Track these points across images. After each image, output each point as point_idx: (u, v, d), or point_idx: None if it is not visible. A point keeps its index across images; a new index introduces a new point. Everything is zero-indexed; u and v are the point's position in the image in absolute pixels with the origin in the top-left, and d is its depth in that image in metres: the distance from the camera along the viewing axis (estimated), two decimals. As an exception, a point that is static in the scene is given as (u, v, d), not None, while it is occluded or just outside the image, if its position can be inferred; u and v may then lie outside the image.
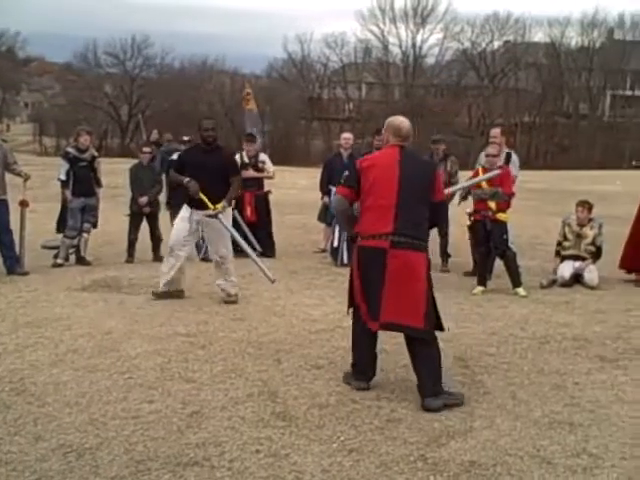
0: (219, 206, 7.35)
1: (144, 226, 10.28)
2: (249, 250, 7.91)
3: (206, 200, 7.32)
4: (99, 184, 9.99)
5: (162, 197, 10.63)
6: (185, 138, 11.22)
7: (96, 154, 10.14)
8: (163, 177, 10.77)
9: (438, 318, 4.97)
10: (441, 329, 5.01)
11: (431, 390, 4.71)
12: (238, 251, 8.14)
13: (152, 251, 10.19)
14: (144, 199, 10.05)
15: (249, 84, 12.68)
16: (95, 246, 10.50)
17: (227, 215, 7.68)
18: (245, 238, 9.64)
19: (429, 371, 4.77)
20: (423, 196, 4.88)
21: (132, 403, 4.74)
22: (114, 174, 15.64)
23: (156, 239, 10.21)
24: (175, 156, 10.63)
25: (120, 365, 5.50)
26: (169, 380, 5.17)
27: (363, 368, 5.11)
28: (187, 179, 7.40)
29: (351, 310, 5.18)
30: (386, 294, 4.75)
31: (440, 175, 4.99)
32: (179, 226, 7.63)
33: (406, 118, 5.25)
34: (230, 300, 7.55)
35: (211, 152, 7.55)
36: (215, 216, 7.37)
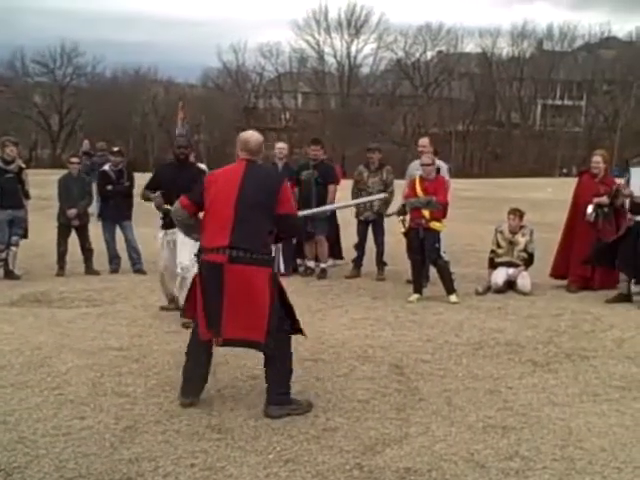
0: None
1: (75, 238, 10.07)
2: None
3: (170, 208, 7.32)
4: (27, 196, 9.76)
5: (92, 208, 10.44)
6: (115, 149, 10.95)
7: (23, 165, 9.91)
8: (94, 188, 10.59)
9: (294, 324, 4.95)
10: (301, 333, 5.00)
11: (275, 399, 4.74)
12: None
13: (84, 263, 10.00)
14: (73, 211, 9.86)
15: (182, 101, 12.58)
16: (25, 259, 10.25)
17: None
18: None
19: (274, 380, 4.79)
20: (265, 209, 4.81)
21: (63, 420, 4.63)
22: (45, 185, 15.33)
23: (87, 251, 10.03)
24: (107, 167, 10.49)
25: (50, 381, 5.37)
26: (102, 395, 5.07)
27: (194, 384, 5.00)
28: (155, 194, 7.48)
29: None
30: (225, 309, 4.69)
31: (286, 188, 4.98)
32: (166, 254, 7.59)
33: (257, 132, 5.20)
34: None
35: (183, 168, 7.76)
36: None
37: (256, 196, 4.78)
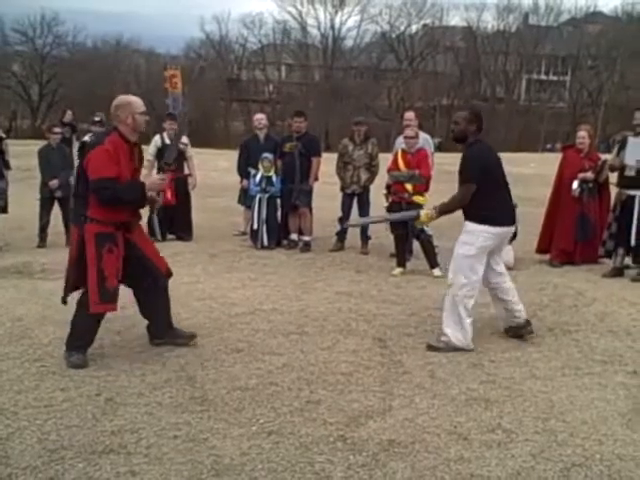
0: None
1: (57, 210, 9.97)
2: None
3: None
4: (7, 166, 9.66)
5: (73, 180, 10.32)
6: (96, 119, 10.75)
7: (3, 135, 9.78)
8: (75, 159, 10.44)
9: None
10: None
11: None
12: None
13: (65, 235, 9.90)
14: (54, 182, 9.75)
15: (176, 66, 12.27)
16: (5, 231, 10.15)
17: None
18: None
19: None
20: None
21: (45, 391, 4.61)
22: (26, 156, 15.10)
23: (69, 223, 9.92)
24: (87, 138, 10.33)
25: (32, 353, 5.34)
26: (83, 367, 5.04)
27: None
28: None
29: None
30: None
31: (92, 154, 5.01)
32: None
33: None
34: None
35: None
36: None
37: None
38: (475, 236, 5.53)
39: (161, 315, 5.51)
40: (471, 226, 5.58)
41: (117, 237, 5.06)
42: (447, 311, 5.63)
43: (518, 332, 5.87)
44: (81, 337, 5.15)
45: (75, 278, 5.13)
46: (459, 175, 5.66)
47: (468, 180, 5.56)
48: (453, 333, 5.55)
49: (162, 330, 5.54)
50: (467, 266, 5.55)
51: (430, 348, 5.57)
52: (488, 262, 5.69)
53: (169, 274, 5.53)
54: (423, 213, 5.95)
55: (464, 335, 5.56)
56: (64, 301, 5.25)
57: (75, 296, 5.20)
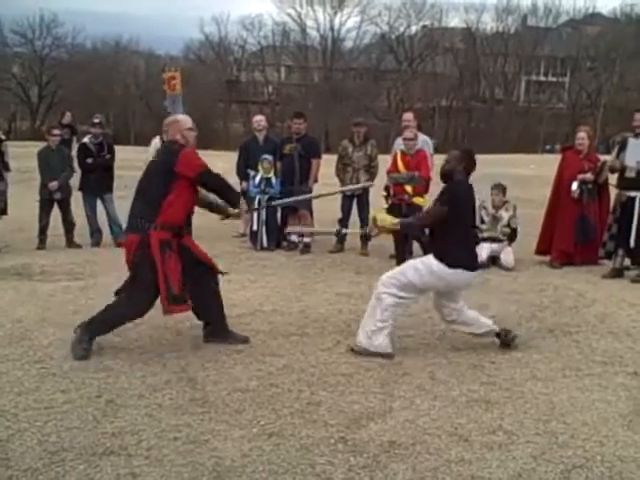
0: None
1: (57, 212, 9.97)
2: None
3: None
4: (7, 168, 9.66)
5: (73, 181, 10.32)
6: (95, 121, 10.67)
7: (3, 137, 9.78)
8: (75, 161, 10.45)
9: None
10: None
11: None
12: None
13: (65, 237, 9.91)
14: (54, 184, 9.74)
15: (175, 67, 12.21)
16: (5, 232, 10.15)
17: None
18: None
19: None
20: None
21: (45, 393, 4.60)
22: (25, 158, 15.10)
23: (69, 224, 9.93)
24: (87, 140, 10.34)
25: (32, 354, 5.33)
26: (84, 369, 5.03)
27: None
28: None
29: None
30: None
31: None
32: None
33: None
34: None
35: None
36: None
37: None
38: (428, 270, 5.36)
39: (219, 314, 5.69)
40: (430, 259, 5.41)
41: (173, 243, 5.30)
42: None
43: (504, 341, 5.69)
44: (101, 328, 5.37)
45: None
46: (439, 196, 5.51)
47: (444, 203, 5.41)
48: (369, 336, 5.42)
49: (220, 329, 5.69)
50: (404, 285, 5.40)
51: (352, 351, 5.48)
52: (441, 301, 5.60)
53: (218, 272, 5.75)
54: (380, 217, 5.75)
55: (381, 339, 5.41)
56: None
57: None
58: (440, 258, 5.31)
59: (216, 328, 5.69)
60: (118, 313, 5.38)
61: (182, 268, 5.30)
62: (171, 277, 5.20)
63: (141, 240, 5.22)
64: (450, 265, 5.30)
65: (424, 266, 5.37)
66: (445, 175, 5.55)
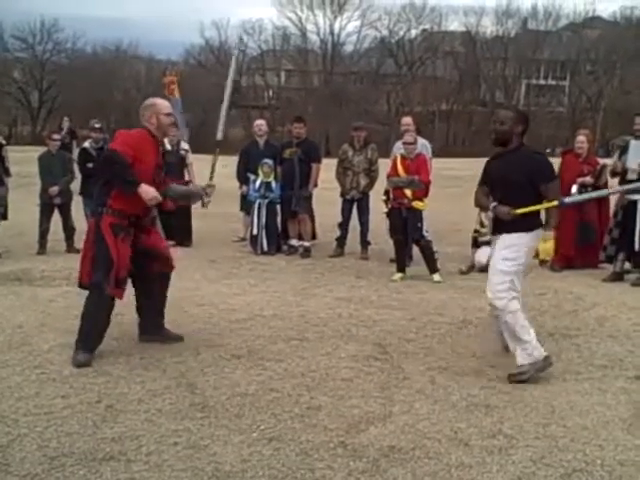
0: None
1: (57, 217, 9.97)
2: None
3: None
4: (7, 173, 9.66)
5: (74, 186, 10.33)
6: (96, 126, 10.66)
7: (3, 142, 9.79)
8: (75, 165, 10.45)
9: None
10: None
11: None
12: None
13: (65, 242, 9.91)
14: (54, 189, 9.75)
15: (174, 71, 12.23)
16: (5, 237, 10.14)
17: None
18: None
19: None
20: None
21: (45, 398, 4.59)
22: (26, 163, 15.12)
23: (69, 229, 9.94)
24: (87, 144, 10.36)
25: (32, 360, 5.33)
26: (83, 374, 5.03)
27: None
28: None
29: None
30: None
31: None
32: None
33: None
34: None
35: None
36: None
37: None
38: (519, 249, 5.05)
39: (156, 309, 5.71)
40: (513, 239, 5.05)
41: (130, 230, 5.33)
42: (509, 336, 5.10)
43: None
44: (89, 332, 5.30)
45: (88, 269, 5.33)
46: (538, 177, 5.09)
47: (556, 177, 5.33)
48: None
49: (152, 325, 5.71)
50: (512, 281, 5.03)
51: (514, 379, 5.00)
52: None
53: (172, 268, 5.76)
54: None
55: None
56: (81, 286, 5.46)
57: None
58: (529, 228, 5.06)
59: (148, 324, 5.71)
60: (90, 306, 5.32)
61: (131, 257, 5.35)
62: (120, 261, 5.23)
63: (95, 223, 5.30)
64: (535, 227, 5.13)
65: (513, 249, 5.02)
66: (500, 140, 5.18)
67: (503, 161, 5.22)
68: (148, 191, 5.18)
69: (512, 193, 5.09)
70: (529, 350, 5.01)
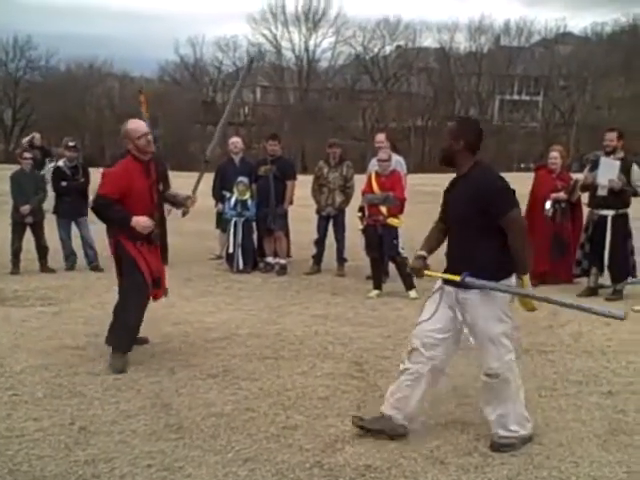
0: None
1: (30, 235, 9.86)
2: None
3: None
4: (-19, 191, 9.53)
5: (47, 205, 10.23)
6: (70, 144, 10.55)
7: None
8: (49, 184, 10.35)
9: None
10: None
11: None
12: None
13: (39, 261, 9.81)
14: (26, 208, 9.65)
15: (143, 93, 12.17)
16: (-23, 257, 10.02)
17: None
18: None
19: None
20: None
21: (16, 421, 4.53)
22: (-2, 181, 14.99)
23: (42, 249, 9.82)
24: (61, 163, 10.27)
25: (4, 381, 5.26)
26: (57, 396, 4.97)
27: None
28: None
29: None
30: None
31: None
32: None
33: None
34: None
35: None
36: None
37: None
38: (504, 301, 4.24)
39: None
40: (499, 286, 4.13)
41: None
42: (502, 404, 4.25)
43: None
44: (129, 332, 5.69)
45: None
46: (492, 208, 4.01)
47: (515, 204, 4.05)
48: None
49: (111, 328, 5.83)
50: (507, 338, 4.37)
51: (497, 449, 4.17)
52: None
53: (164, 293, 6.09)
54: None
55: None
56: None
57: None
58: (508, 272, 4.15)
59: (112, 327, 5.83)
60: (126, 308, 5.64)
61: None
62: (149, 263, 5.68)
63: (115, 243, 5.74)
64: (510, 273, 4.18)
65: (496, 303, 4.20)
66: (442, 159, 4.28)
67: (455, 190, 4.29)
68: (139, 221, 5.51)
69: (466, 231, 4.17)
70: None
